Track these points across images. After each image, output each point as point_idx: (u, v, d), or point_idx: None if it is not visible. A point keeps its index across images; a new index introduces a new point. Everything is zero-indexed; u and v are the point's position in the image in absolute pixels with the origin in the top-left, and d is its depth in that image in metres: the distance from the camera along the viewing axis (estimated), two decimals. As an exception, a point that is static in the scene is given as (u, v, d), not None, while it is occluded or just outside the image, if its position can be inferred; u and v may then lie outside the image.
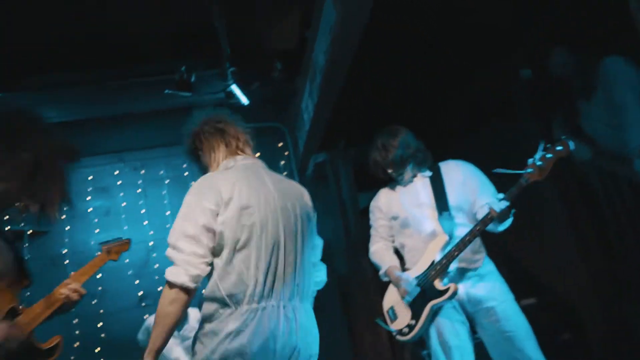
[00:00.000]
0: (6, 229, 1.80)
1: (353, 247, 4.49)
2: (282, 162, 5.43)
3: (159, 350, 1.69)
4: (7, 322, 1.57)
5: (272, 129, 5.42)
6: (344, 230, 4.61)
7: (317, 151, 4.83)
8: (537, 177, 2.27)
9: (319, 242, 2.14)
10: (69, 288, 1.85)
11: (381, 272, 2.78)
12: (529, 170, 2.27)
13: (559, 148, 2.25)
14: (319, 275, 2.11)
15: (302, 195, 2.06)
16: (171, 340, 4.09)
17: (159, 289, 4.83)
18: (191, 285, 1.70)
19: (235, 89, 4.05)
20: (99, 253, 2.11)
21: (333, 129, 4.40)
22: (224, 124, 2.12)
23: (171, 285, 1.71)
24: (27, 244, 4.75)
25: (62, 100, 4.38)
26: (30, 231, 4.79)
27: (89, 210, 5.06)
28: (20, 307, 1.71)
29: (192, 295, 1.73)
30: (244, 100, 4.20)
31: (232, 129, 2.12)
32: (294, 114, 5.16)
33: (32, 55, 3.84)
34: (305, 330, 1.78)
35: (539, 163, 2.25)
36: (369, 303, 4.28)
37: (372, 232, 2.94)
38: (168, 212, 5.15)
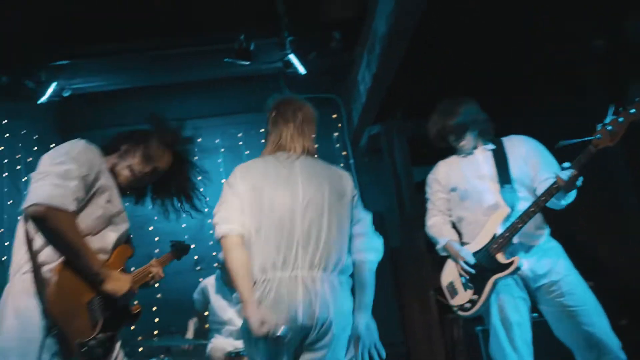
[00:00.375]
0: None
1: (406, 221, 4.45)
2: (336, 134, 5.42)
3: (250, 300, 1.79)
4: (130, 277, 1.80)
5: (326, 100, 5.39)
6: (397, 204, 4.57)
7: (372, 123, 4.77)
8: (608, 142, 2.13)
9: (363, 216, 2.11)
10: (155, 271, 2.13)
11: (439, 246, 2.74)
12: (598, 136, 2.15)
13: (632, 111, 2.10)
14: (369, 247, 2.06)
15: (338, 177, 2.11)
16: (224, 303, 4.25)
17: (213, 254, 4.99)
18: (233, 232, 1.89)
19: (292, 58, 4.03)
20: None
21: (390, 101, 4.33)
22: (297, 115, 2.19)
23: (221, 239, 1.91)
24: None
25: (123, 68, 4.50)
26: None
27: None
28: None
29: (243, 240, 1.91)
30: (301, 69, 4.18)
31: (301, 125, 2.18)
32: (349, 85, 5.11)
33: (92, 24, 3.94)
34: (324, 300, 1.82)
35: (609, 128, 2.12)
36: (421, 278, 4.25)
37: (429, 205, 2.88)
38: (223, 181, 5.25)
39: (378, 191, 5.20)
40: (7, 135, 4.23)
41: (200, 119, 5.42)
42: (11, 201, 4.20)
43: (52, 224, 1.51)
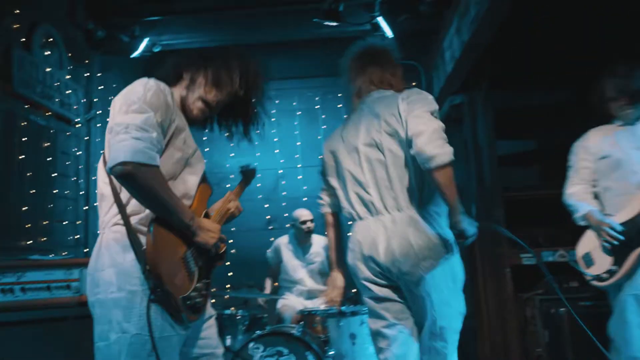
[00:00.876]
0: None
1: (485, 195, 4.31)
2: (414, 103, 5.28)
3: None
4: (218, 225, 1.70)
5: (406, 66, 5.23)
6: (476, 178, 4.43)
7: (455, 92, 4.61)
8: None
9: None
10: (233, 206, 1.92)
11: (578, 215, 2.68)
12: None
13: None
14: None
15: (395, 105, 2.07)
16: (296, 263, 4.33)
17: (285, 215, 5.09)
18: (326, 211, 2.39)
19: (381, 21, 3.92)
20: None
21: (479, 70, 4.14)
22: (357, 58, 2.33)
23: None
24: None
25: (211, 26, 4.56)
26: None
27: (226, 135, 5.34)
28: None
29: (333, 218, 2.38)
30: (389, 33, 4.07)
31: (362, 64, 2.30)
32: (433, 52, 4.94)
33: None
34: (403, 237, 1.97)
35: None
36: (496, 254, 4.14)
37: (571, 173, 2.80)
38: (298, 143, 5.30)
39: (455, 163, 5.05)
40: (101, 87, 4.42)
41: (279, 81, 5.45)
42: (103, 151, 4.42)
43: (141, 181, 1.42)
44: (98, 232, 1.61)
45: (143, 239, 1.48)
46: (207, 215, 1.75)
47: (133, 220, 1.51)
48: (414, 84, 5.30)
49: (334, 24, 3.87)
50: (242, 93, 1.82)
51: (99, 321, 1.49)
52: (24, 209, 3.35)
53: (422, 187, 2.03)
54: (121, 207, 1.52)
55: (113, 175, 1.45)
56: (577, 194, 2.72)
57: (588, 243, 2.66)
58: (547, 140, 4.80)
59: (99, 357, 1.48)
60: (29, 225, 3.38)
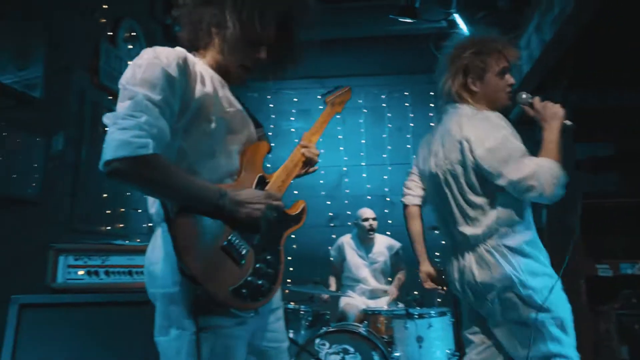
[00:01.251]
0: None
1: (560, 201, 4.12)
2: (485, 103, 5.13)
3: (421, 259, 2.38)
4: (248, 189, 1.43)
5: (478, 65, 5.09)
6: (551, 182, 4.24)
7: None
8: None
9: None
10: (306, 149, 1.70)
11: None
12: None
13: None
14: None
15: (459, 142, 2.00)
16: (360, 261, 4.30)
17: (347, 213, 5.07)
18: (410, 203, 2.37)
19: (457, 17, 3.82)
20: (325, 108, 1.93)
21: (559, 70, 3.96)
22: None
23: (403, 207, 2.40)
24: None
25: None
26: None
27: (291, 130, 5.40)
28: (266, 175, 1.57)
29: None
30: (465, 30, 3.96)
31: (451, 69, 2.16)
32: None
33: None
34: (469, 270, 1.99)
35: None
36: (570, 264, 3.95)
37: None
38: (363, 141, 5.27)
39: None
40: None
41: (345, 78, 5.43)
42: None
43: (133, 176, 1.24)
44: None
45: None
46: (262, 180, 1.52)
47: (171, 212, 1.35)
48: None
49: (410, 20, 3.80)
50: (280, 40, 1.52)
51: (159, 315, 1.39)
52: (104, 195, 3.50)
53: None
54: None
55: (106, 176, 1.24)
56: None
57: None
58: (628, 143, 4.54)
59: (161, 351, 1.39)
60: (109, 212, 3.53)
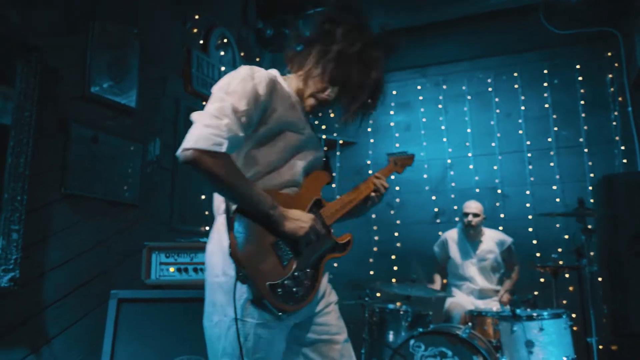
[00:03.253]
0: (322, 137, 1.82)
1: None
2: (610, 76, 4.48)
3: None
4: (312, 215, 1.58)
5: (601, 34, 4.47)
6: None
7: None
8: None
9: None
10: (378, 180, 1.85)
11: None
12: None
13: None
14: None
15: None
16: (466, 258, 3.98)
17: (454, 207, 4.75)
18: None
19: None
20: (388, 164, 2.10)
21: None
22: None
23: None
24: (338, 152, 5.23)
25: (376, 10, 4.44)
26: (342, 141, 5.24)
27: (391, 125, 5.22)
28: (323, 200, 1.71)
29: None
30: (574, -5, 3.47)
31: None
32: (636, 11, 4.11)
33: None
34: None
35: None
36: None
37: None
38: (468, 130, 4.90)
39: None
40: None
41: (446, 65, 5.12)
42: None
43: (203, 168, 1.38)
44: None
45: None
46: (318, 203, 1.67)
47: (233, 207, 1.49)
48: (609, 54, 4.50)
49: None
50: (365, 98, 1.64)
51: (207, 303, 1.53)
52: (202, 197, 3.66)
53: None
54: None
55: (180, 162, 1.41)
56: None
57: None
58: None
59: (206, 337, 1.52)
60: (207, 212, 3.68)
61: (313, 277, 1.55)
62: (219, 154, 1.39)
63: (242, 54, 4.24)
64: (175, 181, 3.44)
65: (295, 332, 1.56)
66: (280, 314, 1.43)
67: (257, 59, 4.51)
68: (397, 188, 5.00)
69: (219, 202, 1.58)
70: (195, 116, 1.44)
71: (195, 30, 3.73)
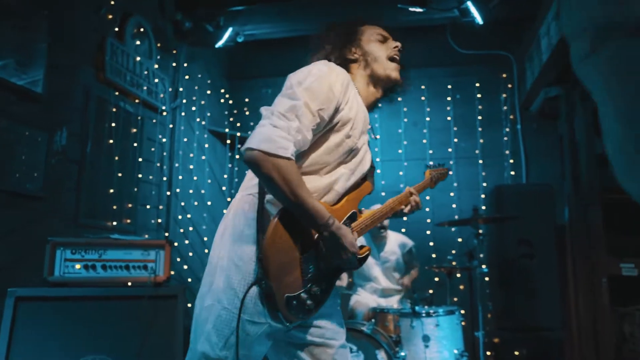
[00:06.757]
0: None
1: (580, 195, 3.93)
2: (504, 95, 4.95)
3: None
4: (347, 227, 1.50)
5: (497, 57, 4.93)
6: (571, 177, 4.06)
7: (550, 84, 4.25)
8: None
9: None
10: (413, 197, 1.82)
11: None
12: None
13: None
14: None
15: None
16: (371, 260, 4.20)
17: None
18: None
19: (471, 6, 3.68)
20: (424, 179, 2.10)
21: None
22: None
23: None
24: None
25: (295, 15, 4.53)
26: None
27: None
28: (360, 210, 1.66)
29: None
30: (479, 19, 3.80)
31: None
32: (528, 40, 4.59)
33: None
34: None
35: None
36: (592, 262, 3.77)
37: None
38: (378, 137, 5.16)
39: (546, 161, 4.69)
40: (187, 77, 4.55)
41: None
42: (186, 139, 4.55)
43: (264, 170, 1.34)
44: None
45: (267, 222, 1.42)
46: (353, 217, 1.60)
47: (267, 197, 1.45)
48: (504, 75, 4.97)
49: (420, 10, 3.67)
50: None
51: (204, 281, 1.48)
52: (111, 191, 3.52)
53: None
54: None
55: (243, 160, 1.39)
56: None
57: None
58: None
59: (194, 316, 1.48)
60: (115, 207, 3.55)
61: (326, 290, 1.50)
62: (283, 159, 1.33)
63: (158, 44, 4.13)
64: (82, 173, 3.27)
65: (289, 333, 1.51)
66: (288, 324, 1.40)
67: (174, 51, 4.41)
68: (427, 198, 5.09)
69: (251, 183, 1.51)
70: (264, 112, 1.40)
71: (110, 17, 3.57)
